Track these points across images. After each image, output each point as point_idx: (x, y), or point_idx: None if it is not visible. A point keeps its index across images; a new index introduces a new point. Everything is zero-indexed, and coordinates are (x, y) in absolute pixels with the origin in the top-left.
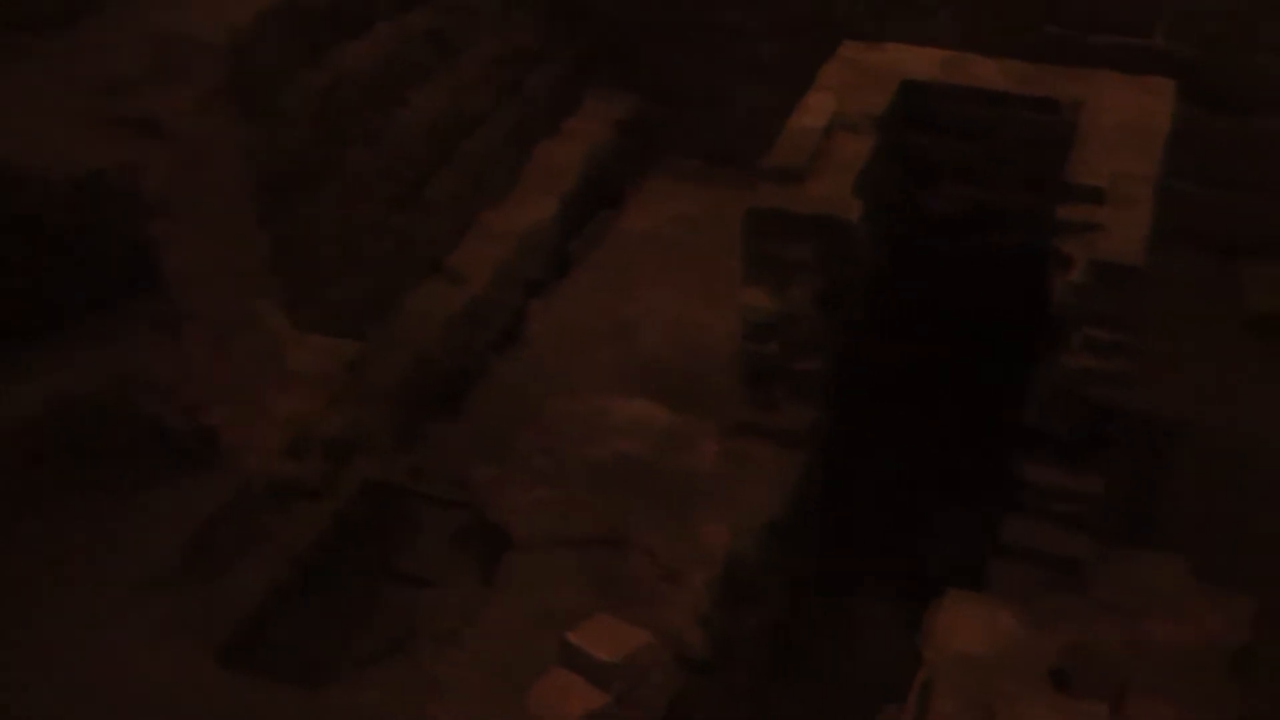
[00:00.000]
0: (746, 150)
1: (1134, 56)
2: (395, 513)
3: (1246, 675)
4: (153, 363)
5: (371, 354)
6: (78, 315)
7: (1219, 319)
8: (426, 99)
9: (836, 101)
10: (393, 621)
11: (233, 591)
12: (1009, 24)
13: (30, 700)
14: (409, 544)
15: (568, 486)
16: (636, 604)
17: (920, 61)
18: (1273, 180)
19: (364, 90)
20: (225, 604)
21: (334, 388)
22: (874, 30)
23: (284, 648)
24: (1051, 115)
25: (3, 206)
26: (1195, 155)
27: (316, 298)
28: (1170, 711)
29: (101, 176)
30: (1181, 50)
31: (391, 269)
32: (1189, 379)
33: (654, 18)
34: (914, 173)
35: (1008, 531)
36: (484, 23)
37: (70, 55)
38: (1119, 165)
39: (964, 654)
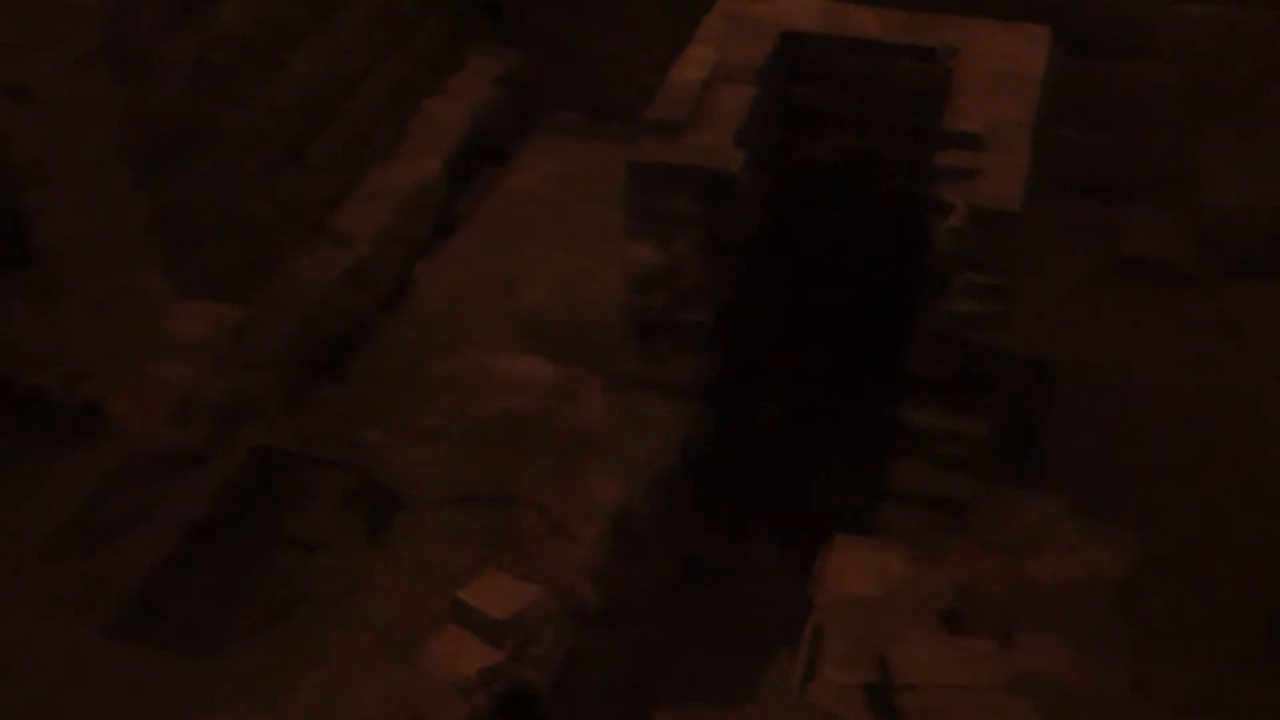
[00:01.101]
0: (629, 104)
1: (1011, 4)
2: (284, 477)
3: (1130, 608)
4: (30, 334)
5: (255, 318)
6: None
7: (1097, 261)
8: (305, 59)
9: (717, 53)
10: (283, 586)
11: (120, 562)
12: None
13: None
14: (298, 508)
15: (456, 444)
16: (527, 560)
17: (800, 12)
18: (1147, 124)
19: (240, 51)
20: (112, 575)
21: (218, 353)
22: None
23: (173, 617)
24: (929, 64)
25: None
26: (1072, 100)
27: (197, 263)
28: (1057, 646)
29: None
30: None
31: (274, 231)
32: (1068, 320)
33: None
34: (795, 123)
35: (894, 476)
36: None
37: None
38: (997, 112)
39: (854, 597)
